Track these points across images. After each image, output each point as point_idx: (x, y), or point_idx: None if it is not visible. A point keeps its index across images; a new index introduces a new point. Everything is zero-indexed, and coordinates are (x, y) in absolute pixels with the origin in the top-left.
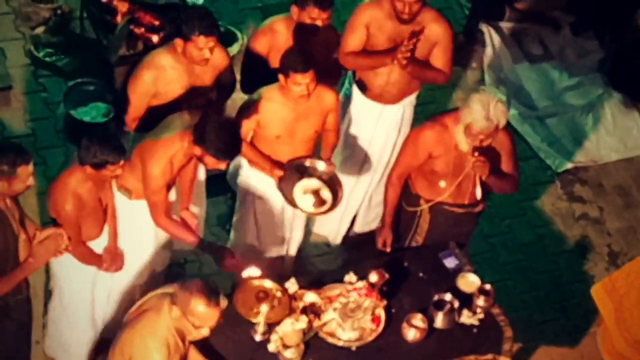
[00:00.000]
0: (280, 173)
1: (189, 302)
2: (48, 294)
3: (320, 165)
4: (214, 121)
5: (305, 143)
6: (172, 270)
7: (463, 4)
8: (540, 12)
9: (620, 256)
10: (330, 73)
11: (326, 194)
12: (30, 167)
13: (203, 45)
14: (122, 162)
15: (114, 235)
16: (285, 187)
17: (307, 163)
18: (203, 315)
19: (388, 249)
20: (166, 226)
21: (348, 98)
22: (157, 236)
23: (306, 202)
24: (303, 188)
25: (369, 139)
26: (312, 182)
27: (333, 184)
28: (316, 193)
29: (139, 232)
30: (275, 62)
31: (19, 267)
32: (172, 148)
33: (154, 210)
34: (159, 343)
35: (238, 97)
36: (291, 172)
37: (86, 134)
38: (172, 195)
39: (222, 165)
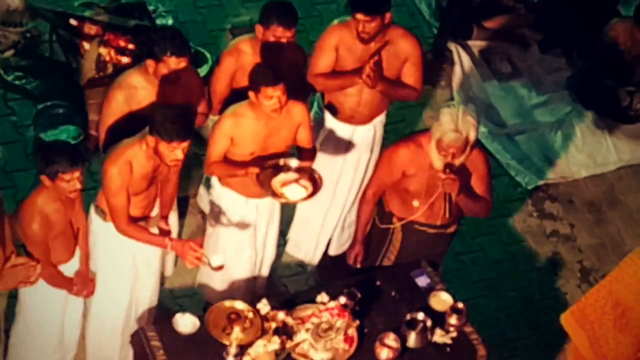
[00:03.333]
0: (256, 170)
1: None
2: (9, 318)
3: (293, 162)
4: (161, 107)
5: None
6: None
7: (431, 22)
8: (508, 31)
9: (592, 272)
10: (298, 91)
11: (305, 182)
12: None
13: (174, 65)
14: (77, 174)
15: (85, 259)
16: (264, 181)
17: (281, 162)
18: None
19: (359, 265)
20: (127, 232)
21: (317, 121)
22: (136, 261)
23: (290, 191)
24: (281, 181)
25: (341, 161)
26: (290, 175)
27: (310, 173)
28: (296, 182)
29: (114, 256)
30: (242, 83)
31: None
32: (131, 151)
33: (113, 216)
34: None
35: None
36: (267, 169)
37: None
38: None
39: (177, 153)
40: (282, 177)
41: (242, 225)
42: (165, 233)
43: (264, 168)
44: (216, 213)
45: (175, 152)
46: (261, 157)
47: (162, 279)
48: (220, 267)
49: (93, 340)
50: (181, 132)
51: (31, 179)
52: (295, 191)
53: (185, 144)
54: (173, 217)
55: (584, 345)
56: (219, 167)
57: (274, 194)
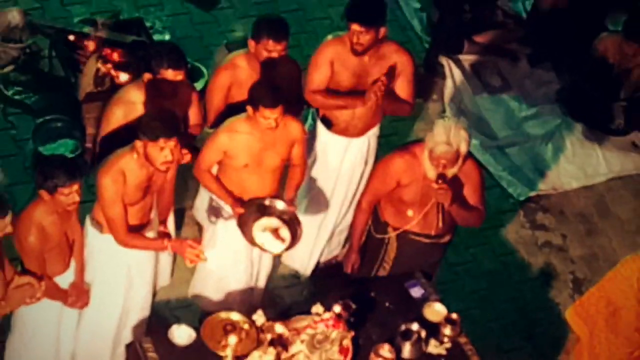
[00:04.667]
0: (241, 210)
1: None
2: (5, 330)
3: (280, 205)
4: (147, 111)
5: (272, 172)
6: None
7: (422, 37)
8: (498, 45)
9: (584, 283)
10: (292, 104)
11: (285, 232)
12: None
13: (172, 78)
14: (76, 187)
15: (80, 270)
16: (245, 225)
17: (267, 202)
18: None
19: (356, 272)
20: (127, 242)
21: (312, 134)
22: (131, 271)
23: (265, 240)
24: (262, 226)
25: (336, 173)
26: (272, 221)
27: (292, 223)
28: (275, 232)
29: (109, 267)
30: (237, 97)
31: None
32: (123, 160)
33: (111, 227)
34: None
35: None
36: (251, 210)
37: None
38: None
39: (166, 153)
40: (264, 221)
41: (238, 234)
42: (164, 236)
43: (250, 205)
44: (214, 222)
45: (164, 152)
46: (254, 171)
47: (155, 289)
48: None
49: (83, 347)
50: (165, 129)
51: (29, 192)
52: (271, 242)
53: (172, 143)
54: (170, 228)
55: (585, 339)
56: (208, 179)
57: (251, 242)
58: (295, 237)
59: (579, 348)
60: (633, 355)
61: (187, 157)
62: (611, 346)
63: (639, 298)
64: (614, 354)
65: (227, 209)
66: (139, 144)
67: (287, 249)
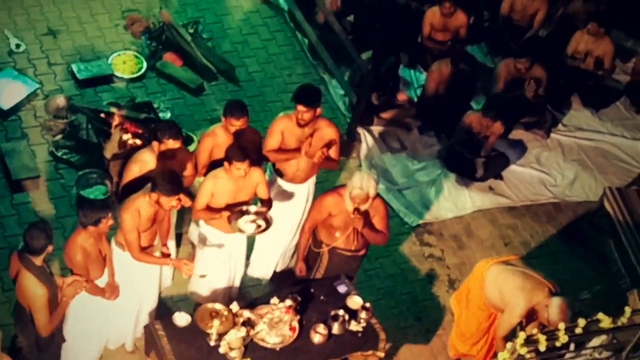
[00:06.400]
0: (227, 214)
1: None
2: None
3: (252, 208)
4: (161, 173)
5: None
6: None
7: (345, 114)
8: (397, 120)
9: (456, 282)
10: (256, 160)
11: (260, 222)
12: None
13: (172, 146)
14: (111, 216)
15: (112, 274)
16: (233, 221)
17: (244, 208)
18: None
19: (303, 274)
20: (140, 258)
21: (271, 181)
22: (143, 276)
23: (248, 228)
24: (244, 220)
25: (287, 208)
26: (249, 217)
27: (263, 215)
28: (253, 222)
29: (128, 273)
30: (217, 155)
31: (59, 305)
32: (138, 201)
33: (130, 247)
34: None
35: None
36: (236, 212)
37: (83, 207)
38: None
39: (173, 202)
40: (245, 217)
41: (220, 250)
42: (166, 255)
43: (234, 212)
44: (203, 244)
45: (172, 202)
46: (232, 205)
47: (160, 289)
48: (204, 276)
49: (115, 326)
50: (176, 188)
51: (73, 222)
52: (252, 228)
53: (177, 196)
54: (172, 247)
55: (457, 315)
56: (204, 214)
57: (239, 230)
58: (268, 223)
59: (454, 324)
60: (482, 326)
61: (188, 203)
62: (466, 318)
63: (482, 285)
64: (467, 324)
65: (210, 237)
66: (154, 195)
67: (264, 230)
